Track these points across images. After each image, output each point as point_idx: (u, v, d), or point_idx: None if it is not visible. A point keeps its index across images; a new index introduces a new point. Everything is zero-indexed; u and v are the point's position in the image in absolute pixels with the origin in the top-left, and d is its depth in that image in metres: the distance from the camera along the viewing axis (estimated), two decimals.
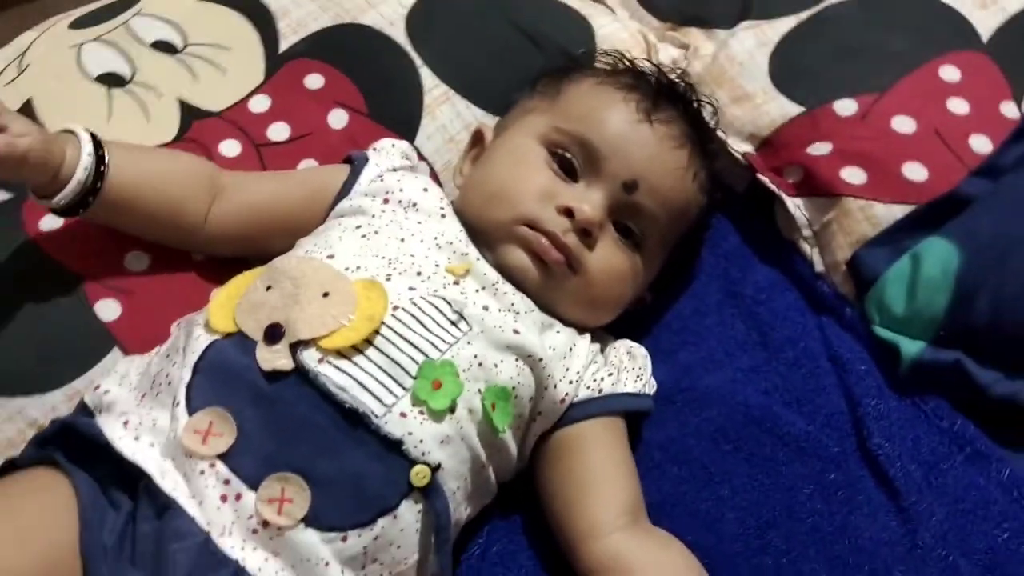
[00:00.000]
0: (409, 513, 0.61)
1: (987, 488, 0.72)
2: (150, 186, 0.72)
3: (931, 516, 0.70)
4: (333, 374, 0.60)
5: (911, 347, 0.78)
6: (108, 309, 0.72)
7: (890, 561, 0.68)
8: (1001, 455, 0.74)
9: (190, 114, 0.84)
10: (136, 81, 0.85)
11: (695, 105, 0.82)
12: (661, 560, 0.64)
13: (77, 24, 0.92)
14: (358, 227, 0.70)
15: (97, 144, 0.69)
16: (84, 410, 0.65)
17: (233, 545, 0.57)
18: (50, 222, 0.75)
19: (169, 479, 0.58)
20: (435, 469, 0.61)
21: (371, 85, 0.87)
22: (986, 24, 0.90)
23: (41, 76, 0.85)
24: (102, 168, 0.68)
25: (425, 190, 0.74)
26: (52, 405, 0.69)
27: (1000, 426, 0.76)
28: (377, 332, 0.62)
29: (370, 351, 0.61)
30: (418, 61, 0.89)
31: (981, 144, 0.83)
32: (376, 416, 0.60)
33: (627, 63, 0.84)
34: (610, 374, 0.72)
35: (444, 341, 0.64)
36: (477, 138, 0.83)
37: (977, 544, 0.69)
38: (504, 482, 0.71)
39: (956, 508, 0.71)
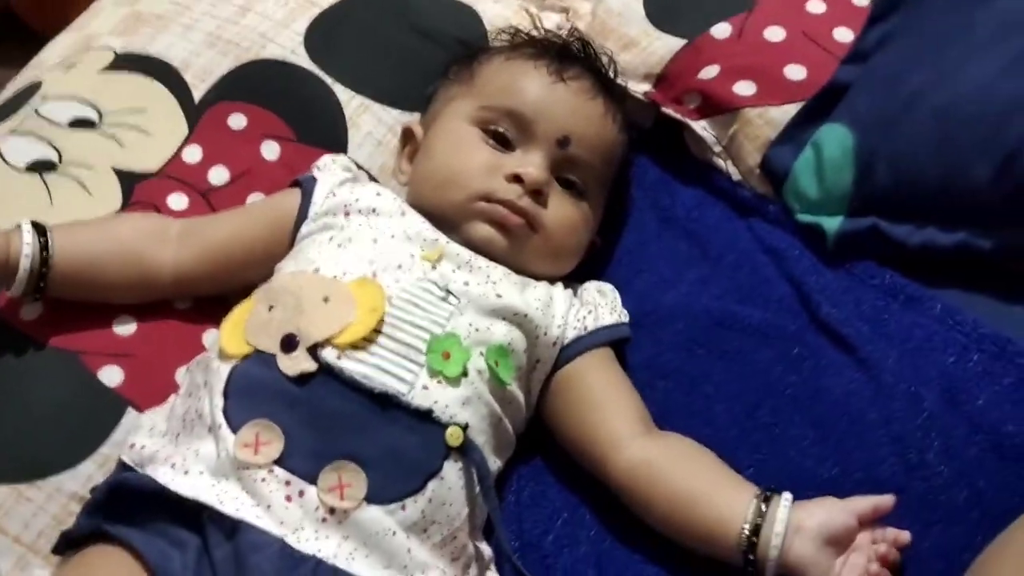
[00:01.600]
0: (452, 472, 0.67)
1: (926, 324, 0.81)
2: (101, 252, 0.76)
3: (887, 359, 0.79)
4: (354, 366, 0.66)
5: (832, 223, 0.87)
6: (111, 375, 0.76)
7: (863, 406, 0.77)
8: (931, 295, 0.83)
9: (129, 180, 0.86)
10: (66, 162, 0.87)
11: (594, 58, 0.89)
12: (682, 453, 0.72)
13: None
14: (331, 238, 0.75)
15: (41, 230, 0.74)
16: (125, 468, 0.68)
17: (308, 538, 0.61)
18: (30, 311, 0.77)
19: (230, 504, 0.62)
20: (465, 428, 0.67)
21: (292, 112, 0.92)
22: None
23: None
24: (46, 251, 0.73)
25: (378, 194, 0.79)
26: (87, 475, 0.72)
27: (922, 271, 0.85)
28: (382, 321, 0.68)
29: (380, 339, 0.67)
30: (328, 80, 0.94)
31: (844, 35, 0.93)
32: (403, 394, 0.66)
33: (524, 36, 0.91)
34: (589, 312, 0.80)
35: (442, 317, 0.70)
36: (408, 136, 0.88)
37: (931, 372, 0.78)
38: (519, 434, 0.77)
39: (905, 348, 0.80)
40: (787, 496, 0.68)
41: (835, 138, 0.88)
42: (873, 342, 0.81)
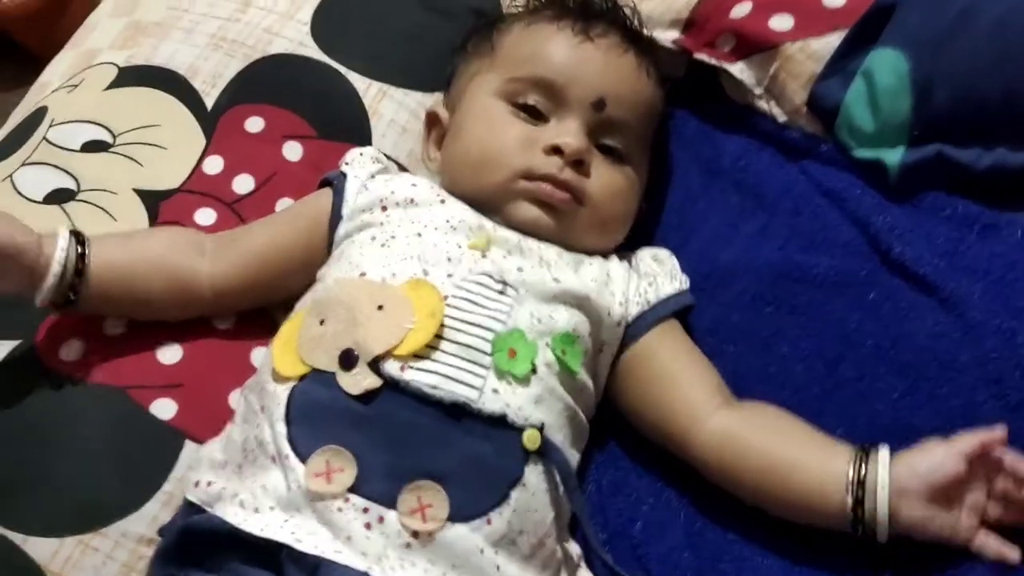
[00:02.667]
0: (534, 476, 0.63)
1: (1007, 253, 0.76)
2: (136, 263, 0.73)
3: (971, 295, 0.74)
4: (420, 376, 0.62)
5: (893, 156, 0.82)
6: (164, 408, 0.73)
7: (952, 348, 0.73)
8: (1008, 219, 0.78)
9: (152, 199, 0.83)
10: (84, 188, 0.84)
11: (618, 10, 0.84)
12: (766, 421, 0.69)
13: None
14: (373, 238, 0.71)
15: (79, 239, 0.71)
16: (191, 507, 0.65)
17: (392, 567, 0.58)
18: (68, 351, 0.74)
19: (308, 541, 0.59)
20: (541, 428, 0.63)
21: (309, 108, 0.88)
22: None
23: None
24: (83, 261, 0.69)
25: (414, 185, 0.75)
26: (152, 516, 0.70)
27: (995, 196, 0.80)
28: (442, 325, 0.64)
29: (443, 344, 0.64)
30: (342, 69, 0.90)
31: None
32: (473, 401, 0.62)
33: None
34: (650, 284, 0.76)
35: (502, 312, 0.66)
36: (432, 120, 0.84)
37: (1020, 303, 0.73)
38: (590, 420, 0.73)
39: (989, 280, 0.75)
40: (883, 453, 0.64)
41: (887, 64, 0.82)
42: (954, 278, 0.76)
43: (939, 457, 0.62)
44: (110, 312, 0.73)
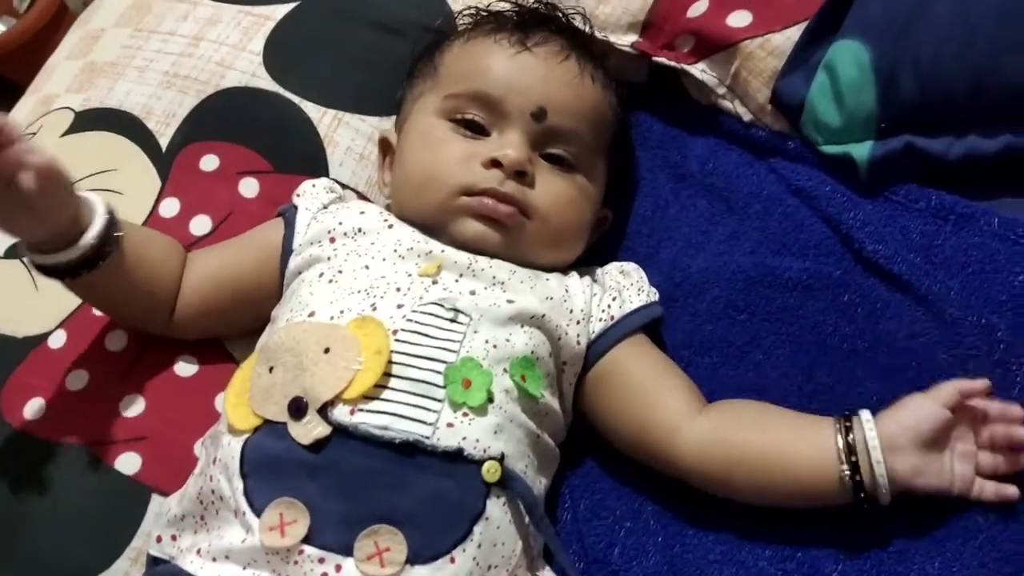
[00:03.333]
0: (497, 510, 0.62)
1: (985, 243, 0.74)
2: (149, 245, 0.73)
3: (949, 291, 0.72)
4: (370, 419, 0.61)
5: (861, 150, 0.79)
6: (128, 462, 0.72)
7: (930, 347, 0.71)
8: (984, 209, 0.76)
9: None
10: None
11: (562, 17, 0.82)
12: (744, 415, 0.68)
13: None
14: (321, 275, 0.70)
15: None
16: (156, 562, 0.65)
17: None
18: (31, 409, 0.73)
19: None
20: (501, 460, 0.62)
21: (264, 142, 0.86)
22: None
23: None
24: (113, 226, 0.68)
25: (362, 212, 0.74)
26: (122, 573, 0.69)
27: (969, 185, 0.78)
28: (390, 362, 0.62)
29: (392, 382, 0.62)
30: (295, 99, 0.88)
31: None
32: (427, 438, 0.61)
33: (484, 12, 0.84)
34: (613, 299, 0.74)
35: (453, 342, 0.64)
36: (384, 146, 0.82)
37: (1000, 296, 0.71)
38: (561, 443, 0.72)
39: (966, 273, 0.73)
40: (865, 414, 0.64)
41: (849, 55, 0.79)
42: (929, 274, 0.74)
43: (922, 407, 0.63)
44: (99, 289, 0.70)
